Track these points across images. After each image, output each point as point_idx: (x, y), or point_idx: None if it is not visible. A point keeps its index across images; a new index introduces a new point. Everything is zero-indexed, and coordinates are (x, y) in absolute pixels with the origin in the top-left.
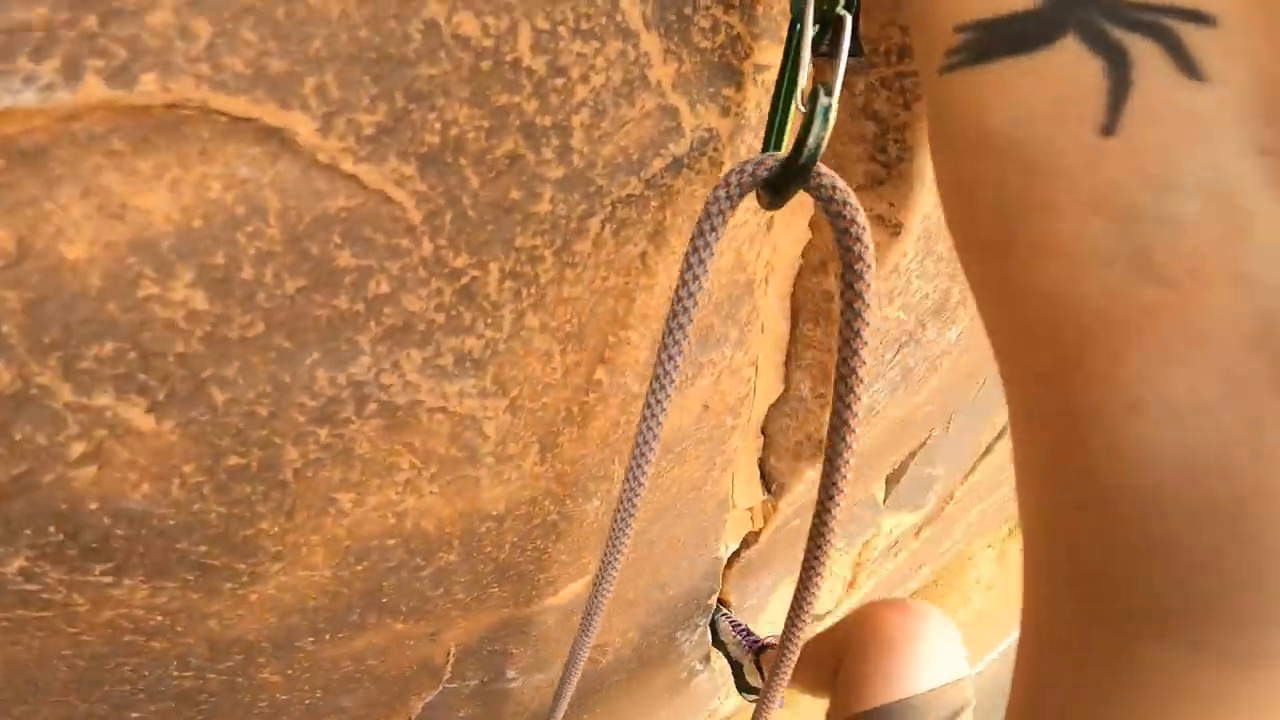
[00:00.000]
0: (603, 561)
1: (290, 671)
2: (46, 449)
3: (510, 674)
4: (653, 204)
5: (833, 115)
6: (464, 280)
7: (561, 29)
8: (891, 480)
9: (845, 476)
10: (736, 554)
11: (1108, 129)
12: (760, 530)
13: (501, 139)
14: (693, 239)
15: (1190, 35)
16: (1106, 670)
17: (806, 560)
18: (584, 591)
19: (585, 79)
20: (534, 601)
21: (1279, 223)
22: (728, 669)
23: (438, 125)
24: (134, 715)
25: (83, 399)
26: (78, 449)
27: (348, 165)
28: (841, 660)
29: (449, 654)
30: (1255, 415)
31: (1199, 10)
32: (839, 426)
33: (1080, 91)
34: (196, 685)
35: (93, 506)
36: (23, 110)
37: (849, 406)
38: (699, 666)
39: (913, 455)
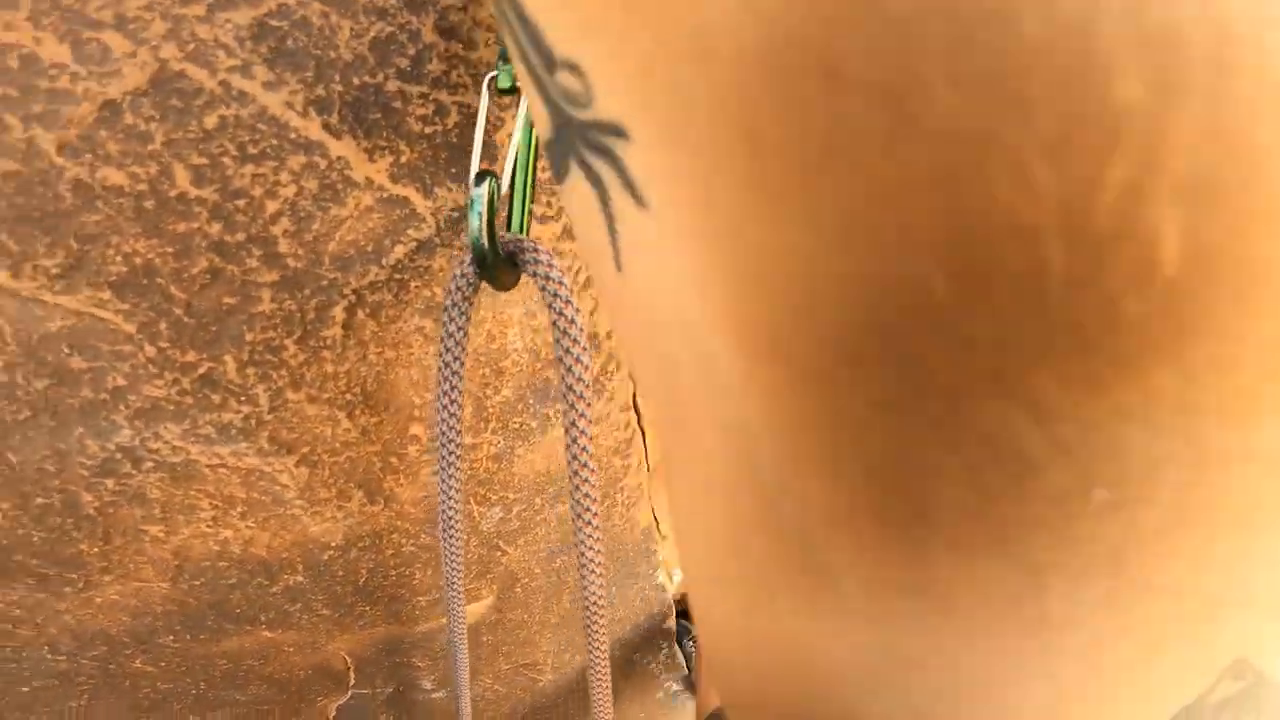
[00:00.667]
0: (445, 593)
1: (163, 664)
2: None
3: (426, 685)
4: (412, 284)
5: (482, 206)
6: (200, 371)
7: (225, 159)
8: None
9: (594, 551)
10: None
11: (618, 265)
12: None
13: (193, 259)
14: (442, 323)
15: (624, 153)
16: None
17: None
18: (481, 613)
19: (272, 194)
20: (420, 620)
21: (735, 363)
22: None
23: (119, 258)
24: (24, 689)
25: None
26: None
27: (48, 298)
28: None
29: (346, 663)
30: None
31: (614, 123)
32: (576, 508)
33: (596, 224)
34: (72, 668)
35: None
36: None
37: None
38: (677, 687)
39: None
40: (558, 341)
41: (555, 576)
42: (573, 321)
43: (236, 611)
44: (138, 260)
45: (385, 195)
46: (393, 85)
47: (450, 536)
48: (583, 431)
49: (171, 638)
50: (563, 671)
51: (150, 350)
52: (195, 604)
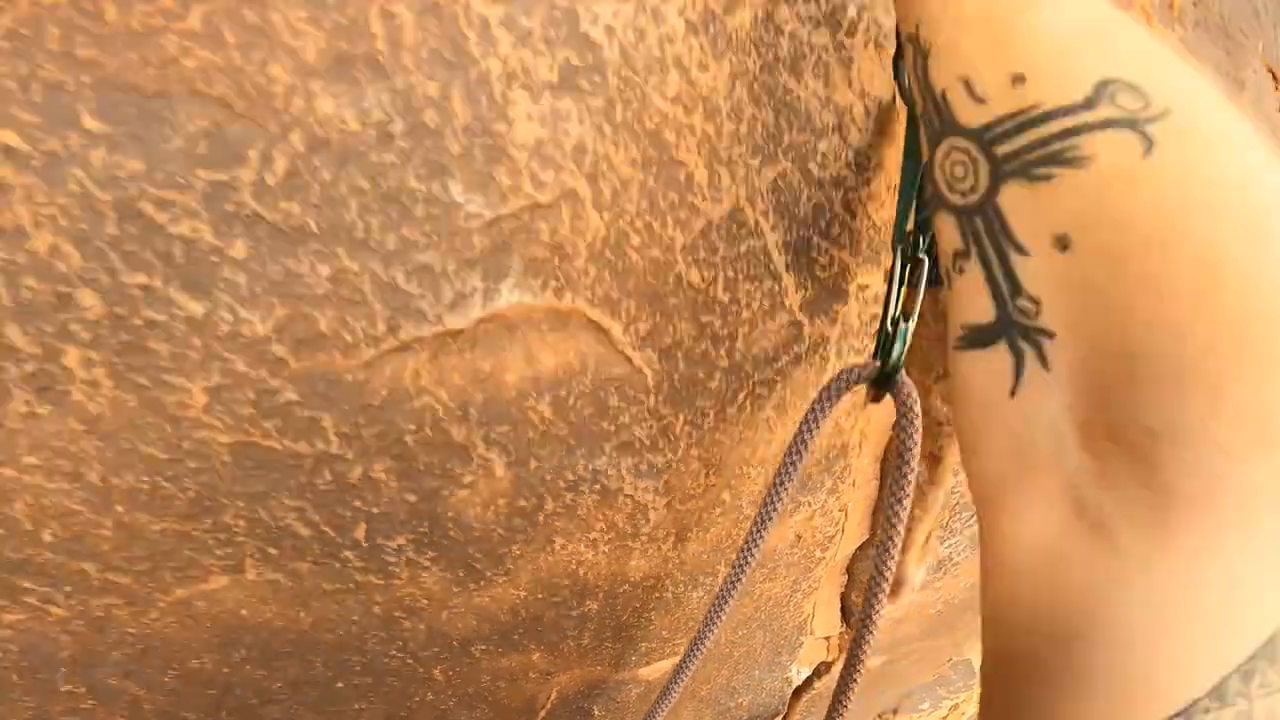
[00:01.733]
0: (694, 637)
1: (452, 673)
2: (454, 475)
3: None
4: (779, 386)
5: (909, 337)
6: (664, 422)
7: (740, 277)
8: None
9: (872, 630)
10: (809, 684)
11: (1012, 394)
12: (834, 661)
13: (699, 342)
14: (805, 418)
15: (1045, 344)
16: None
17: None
18: (669, 671)
19: (748, 305)
20: (628, 667)
21: (1085, 467)
22: None
23: (671, 331)
24: (339, 685)
25: (487, 455)
26: (468, 479)
27: (628, 351)
28: None
29: (549, 699)
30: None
31: (1048, 330)
32: (876, 579)
33: (1003, 372)
34: (396, 665)
35: (450, 515)
36: (514, 306)
37: (884, 575)
38: None
39: None
40: (900, 455)
41: (726, 648)
42: (914, 439)
43: (538, 629)
44: (677, 335)
45: (792, 319)
46: (817, 239)
47: (739, 571)
48: (897, 513)
49: (482, 647)
50: None
51: (651, 401)
52: (523, 616)
